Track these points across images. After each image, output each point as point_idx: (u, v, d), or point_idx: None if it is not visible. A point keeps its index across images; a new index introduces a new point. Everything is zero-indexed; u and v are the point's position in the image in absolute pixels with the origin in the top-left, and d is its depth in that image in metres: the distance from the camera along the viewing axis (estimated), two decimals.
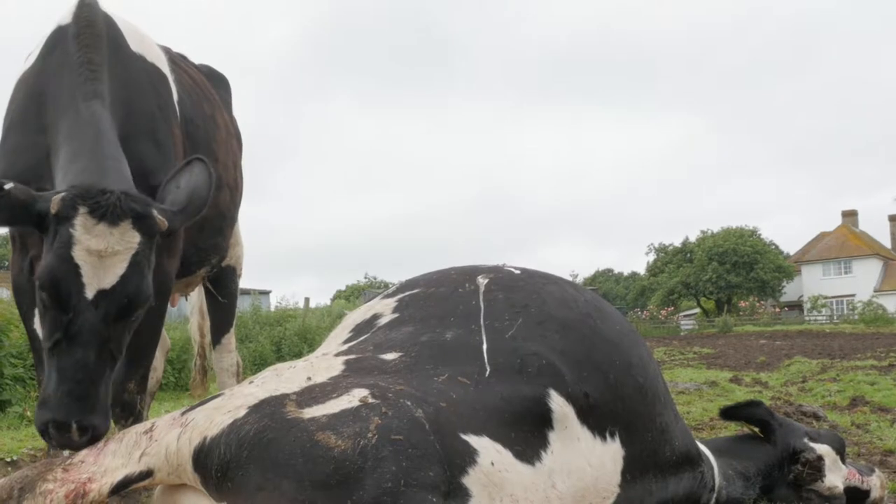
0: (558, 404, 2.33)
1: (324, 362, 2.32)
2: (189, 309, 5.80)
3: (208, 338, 5.37)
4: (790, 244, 79.47)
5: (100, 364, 2.39)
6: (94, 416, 2.30)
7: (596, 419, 2.45)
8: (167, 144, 3.35)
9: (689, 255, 59.32)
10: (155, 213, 2.48)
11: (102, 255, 2.37)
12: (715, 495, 3.07)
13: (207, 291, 4.88)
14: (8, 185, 2.37)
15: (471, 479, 1.95)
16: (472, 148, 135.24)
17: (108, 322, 2.39)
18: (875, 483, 3.40)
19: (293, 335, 14.56)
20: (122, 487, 1.98)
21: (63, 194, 2.41)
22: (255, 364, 12.69)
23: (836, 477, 3.26)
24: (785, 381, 10.00)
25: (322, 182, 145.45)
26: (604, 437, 2.47)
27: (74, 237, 2.37)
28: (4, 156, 3.08)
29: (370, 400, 1.97)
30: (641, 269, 70.69)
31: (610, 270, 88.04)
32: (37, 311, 2.83)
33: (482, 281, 2.72)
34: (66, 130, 2.82)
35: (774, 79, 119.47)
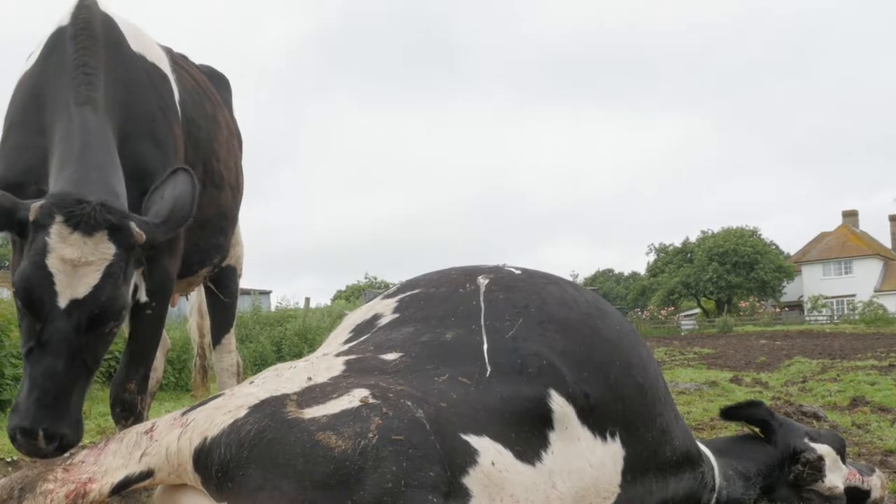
0: (559, 404, 2.33)
1: (324, 362, 2.32)
2: (188, 309, 5.80)
3: (208, 338, 5.38)
4: (790, 244, 79.54)
5: (71, 373, 2.38)
6: (62, 425, 2.30)
7: (596, 419, 2.45)
8: (168, 144, 3.34)
9: (689, 255, 59.35)
10: (132, 225, 2.47)
11: (76, 264, 2.37)
12: (715, 495, 3.07)
13: (208, 291, 4.88)
14: None
15: (471, 480, 1.95)
16: (472, 148, 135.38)
17: (81, 332, 2.39)
18: (875, 483, 3.40)
19: (293, 335, 14.56)
20: (122, 487, 1.98)
21: (41, 202, 2.42)
22: (255, 364, 12.69)
23: (836, 477, 3.26)
24: (785, 382, 10.00)
25: (322, 182, 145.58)
26: (604, 438, 2.47)
27: (49, 245, 2.37)
28: (5, 156, 3.08)
29: (371, 400, 1.97)
30: (642, 270, 70.80)
31: (610, 270, 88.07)
32: None
33: (483, 281, 2.72)
34: (59, 135, 2.83)
35: (775, 79, 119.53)
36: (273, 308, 18.86)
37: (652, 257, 63.85)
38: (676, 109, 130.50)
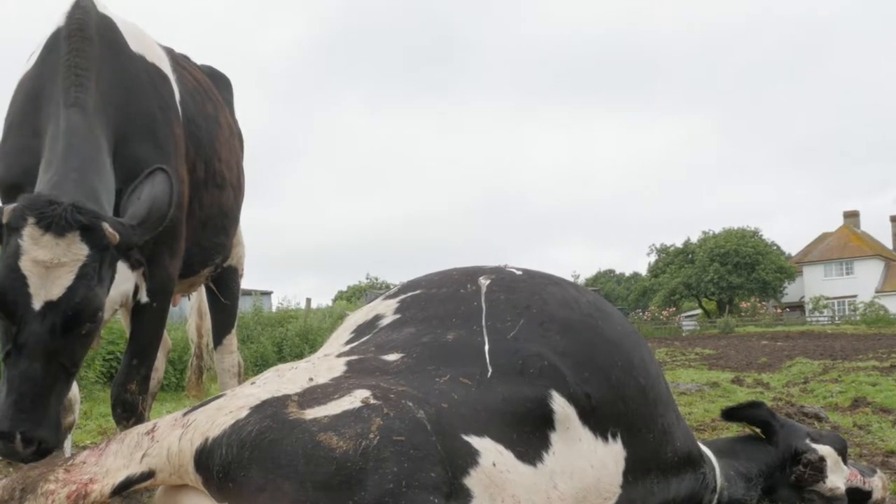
0: (560, 405, 2.33)
1: (325, 363, 2.32)
2: (189, 309, 5.80)
3: (206, 338, 5.38)
4: (792, 245, 79.51)
5: (49, 376, 2.36)
6: (39, 429, 2.29)
7: (597, 420, 2.45)
8: (168, 144, 3.35)
9: (690, 255, 59.32)
10: (105, 225, 2.45)
11: (48, 265, 2.36)
12: (717, 496, 3.06)
13: (209, 292, 4.89)
14: None
15: (472, 480, 1.95)
16: (473, 148, 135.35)
17: (57, 334, 2.37)
18: (877, 484, 3.40)
19: (295, 336, 14.55)
20: (123, 488, 1.97)
21: (14, 205, 2.41)
22: (256, 365, 12.68)
23: (837, 478, 3.26)
24: (786, 382, 9.99)
25: (323, 182, 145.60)
26: (605, 438, 2.47)
27: (22, 247, 2.36)
28: (4, 157, 3.09)
29: (372, 401, 1.97)
30: (643, 270, 70.82)
31: (611, 271, 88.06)
32: None
33: (484, 282, 2.72)
34: (49, 137, 2.83)
35: (775, 79, 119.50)
36: (274, 309, 18.86)
37: (653, 258, 63.87)
38: (677, 110, 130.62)
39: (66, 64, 2.95)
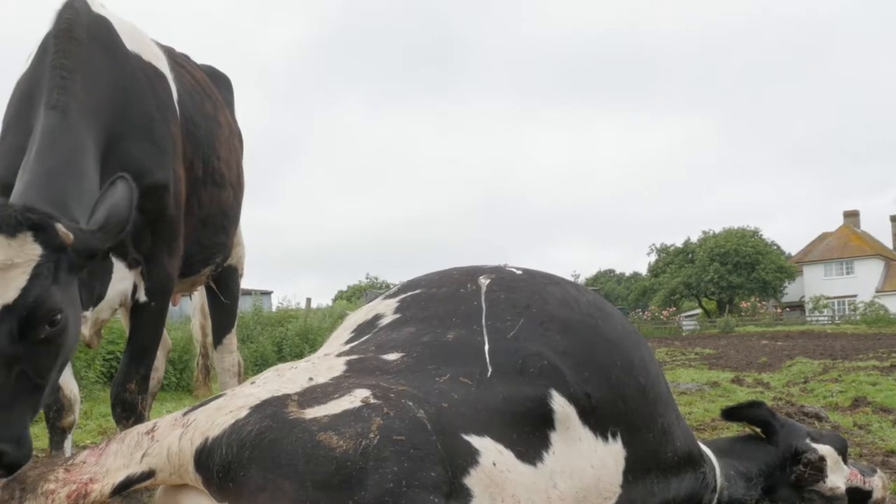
0: (560, 405, 2.33)
1: (325, 363, 2.32)
2: (192, 308, 5.80)
3: (210, 337, 5.38)
4: (792, 245, 79.50)
5: (11, 387, 2.30)
6: (1, 443, 2.23)
7: (598, 420, 2.45)
8: (166, 143, 3.35)
9: (690, 255, 59.31)
10: (58, 226, 2.41)
11: (1, 267, 2.32)
12: (717, 496, 3.06)
13: (209, 291, 4.89)
14: None
15: (473, 480, 1.95)
16: (473, 148, 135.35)
17: (14, 339, 2.31)
18: (877, 484, 3.39)
19: (295, 335, 14.56)
20: (123, 488, 1.97)
21: None
22: (256, 364, 12.68)
23: (837, 477, 3.26)
24: (787, 382, 9.99)
25: (323, 182, 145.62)
26: (605, 438, 2.47)
27: None
28: (2, 157, 3.09)
29: (372, 400, 1.97)
30: (643, 270, 70.81)
31: (611, 271, 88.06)
32: None
33: (484, 281, 2.72)
34: (30, 140, 2.83)
35: (776, 79, 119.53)
36: (274, 308, 18.86)
37: (653, 258, 63.86)
38: (678, 110, 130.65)
39: (51, 65, 2.95)
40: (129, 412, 3.37)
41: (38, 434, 5.78)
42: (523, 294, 2.66)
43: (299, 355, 12.65)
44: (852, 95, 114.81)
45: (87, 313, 3.22)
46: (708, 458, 3.06)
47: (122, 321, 4.02)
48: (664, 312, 49.77)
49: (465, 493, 1.92)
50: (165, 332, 4.14)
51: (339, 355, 2.43)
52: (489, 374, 2.29)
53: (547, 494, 2.17)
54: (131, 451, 2.03)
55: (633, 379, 2.62)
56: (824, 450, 3.29)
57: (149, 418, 3.44)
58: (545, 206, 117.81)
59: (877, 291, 54.19)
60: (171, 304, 3.79)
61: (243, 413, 1.94)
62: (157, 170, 3.27)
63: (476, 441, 2.04)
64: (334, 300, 31.25)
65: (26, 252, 2.35)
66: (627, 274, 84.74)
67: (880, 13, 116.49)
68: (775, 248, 59.23)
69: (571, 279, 3.19)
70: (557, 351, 2.45)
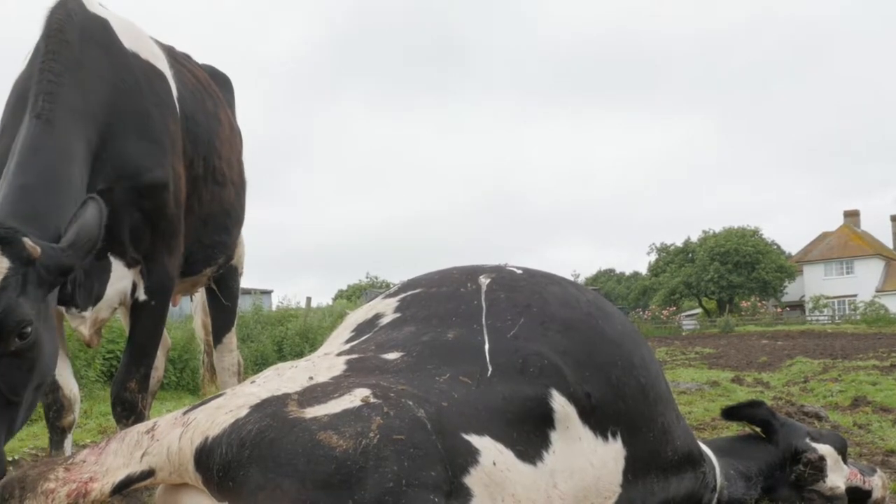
0: (560, 404, 2.33)
1: (325, 362, 2.32)
2: (193, 307, 5.80)
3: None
4: (792, 244, 79.31)
5: None
6: None
7: (598, 419, 2.45)
8: (164, 141, 3.35)
9: (690, 255, 59.30)
10: (25, 240, 2.42)
11: None
12: (717, 495, 3.06)
13: (209, 290, 4.89)
14: None
15: (472, 479, 1.95)
16: (473, 148, 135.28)
17: None
18: (877, 483, 3.40)
19: (295, 335, 14.56)
20: (123, 487, 1.97)
21: None
22: (256, 364, 12.69)
23: (837, 477, 3.26)
24: (787, 382, 9.99)
25: (323, 182, 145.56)
26: (605, 437, 2.47)
27: None
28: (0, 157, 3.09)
29: (372, 400, 1.97)
30: (643, 269, 70.76)
31: (612, 270, 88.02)
32: None
33: (484, 281, 2.72)
34: (13, 150, 2.81)
35: (776, 79, 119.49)
36: (274, 307, 18.86)
37: (653, 257, 63.84)
38: (677, 110, 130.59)
39: (39, 68, 2.94)
40: (129, 411, 3.37)
41: (38, 433, 5.79)
42: (523, 293, 2.66)
43: (299, 354, 12.65)
44: (852, 95, 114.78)
45: (87, 313, 3.23)
46: (708, 457, 3.06)
47: (122, 320, 4.02)
48: (664, 312, 49.78)
49: (465, 493, 1.92)
50: (165, 331, 4.14)
51: (339, 354, 2.43)
52: (489, 373, 2.29)
53: (547, 494, 2.17)
54: (131, 450, 2.03)
55: (634, 378, 2.62)
56: (824, 449, 3.29)
57: (149, 417, 3.44)
58: (545, 206, 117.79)
59: (877, 291, 54.18)
60: (170, 304, 3.79)
61: (243, 412, 1.94)
62: (155, 168, 3.27)
63: (476, 440, 2.04)
64: (334, 299, 31.26)
65: None
66: (627, 273, 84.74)
67: (880, 13, 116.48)
68: (775, 247, 59.23)
69: (571, 279, 3.19)
70: (558, 350, 2.45)
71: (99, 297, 3.23)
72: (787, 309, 54.65)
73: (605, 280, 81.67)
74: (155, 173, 3.27)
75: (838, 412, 6.66)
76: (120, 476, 1.97)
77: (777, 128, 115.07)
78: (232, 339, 5.02)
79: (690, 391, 8.48)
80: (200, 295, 5.37)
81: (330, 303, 24.69)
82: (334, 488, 1.76)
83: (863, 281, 57.04)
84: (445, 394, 2.14)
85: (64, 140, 2.85)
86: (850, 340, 21.51)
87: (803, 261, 61.38)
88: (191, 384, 10.30)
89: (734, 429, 5.13)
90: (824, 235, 64.62)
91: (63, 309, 3.20)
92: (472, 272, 2.82)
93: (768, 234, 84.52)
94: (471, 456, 1.99)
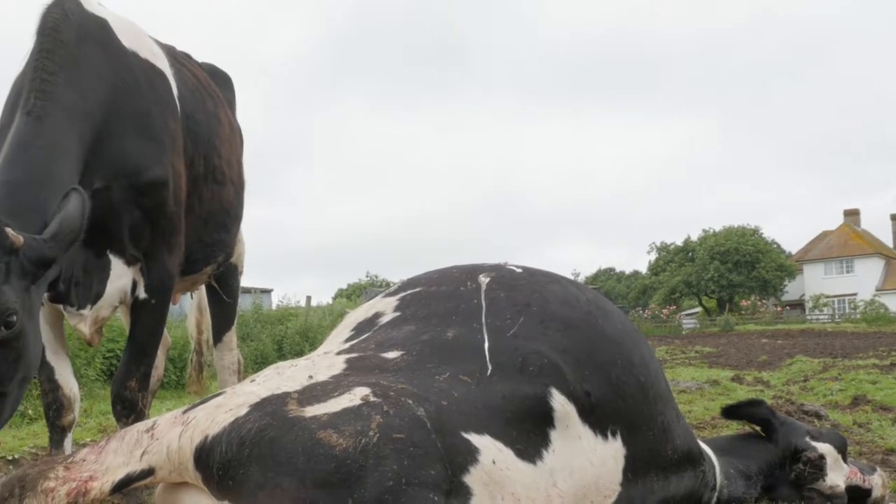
0: (560, 403, 2.33)
1: (325, 361, 2.32)
2: (189, 306, 5.80)
3: (206, 334, 5.39)
4: (792, 243, 79.29)
5: None
6: None
7: (597, 418, 2.45)
8: (163, 140, 3.34)
9: (690, 254, 59.29)
10: (7, 230, 2.43)
11: None
12: (716, 494, 3.06)
13: (209, 289, 4.89)
14: None
15: (472, 478, 1.95)
16: (474, 148, 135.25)
17: None
18: (877, 482, 3.39)
19: (295, 334, 14.55)
20: (123, 486, 1.98)
21: None
22: (256, 363, 12.68)
23: (837, 476, 3.26)
24: (787, 380, 9.99)
25: (323, 181, 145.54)
26: (605, 436, 2.47)
27: None
28: None
29: (372, 398, 1.97)
30: (643, 268, 70.76)
31: (612, 269, 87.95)
32: None
33: (484, 279, 2.72)
34: (4, 145, 2.81)
35: (777, 79, 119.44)
36: (274, 306, 18.86)
37: (653, 256, 63.82)
38: (677, 110, 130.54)
39: (33, 67, 2.94)
40: (129, 410, 3.37)
41: (38, 432, 5.79)
42: (523, 292, 2.66)
43: (299, 353, 12.66)
44: (852, 95, 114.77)
45: (86, 311, 3.23)
46: (708, 456, 3.06)
47: (123, 319, 4.02)
48: (664, 311, 49.81)
49: (465, 491, 1.92)
50: (165, 330, 4.14)
51: (339, 353, 2.43)
52: (489, 372, 2.29)
53: (546, 492, 2.17)
54: (131, 448, 2.03)
55: (633, 377, 2.62)
56: (824, 448, 3.29)
57: (149, 416, 3.45)
58: (545, 206, 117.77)
59: (877, 290, 54.17)
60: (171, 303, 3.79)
61: (243, 411, 1.94)
62: (155, 166, 3.27)
63: (476, 439, 2.04)
64: (334, 298, 31.27)
65: None
66: (628, 272, 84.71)
67: (880, 13, 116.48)
68: (775, 246, 59.23)
69: (572, 278, 3.19)
70: (557, 349, 2.45)
71: (99, 295, 3.23)
72: (787, 308, 54.65)
73: (605, 279, 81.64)
74: (154, 171, 3.27)
75: (838, 411, 6.66)
76: (120, 475, 1.97)
77: (777, 127, 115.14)
78: (232, 337, 5.02)
79: (690, 390, 8.48)
80: (196, 294, 5.37)
81: (330, 302, 24.72)
82: (334, 487, 1.76)
83: (863, 280, 57.02)
84: (445, 392, 2.14)
85: (54, 137, 2.84)
86: (850, 339, 21.51)
87: (803, 260, 61.37)
88: (186, 381, 10.29)
89: (734, 427, 5.13)
90: (824, 234, 64.59)
91: (62, 307, 3.20)
92: (472, 271, 2.82)
93: (768, 233, 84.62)
94: (470, 454, 1.99)
